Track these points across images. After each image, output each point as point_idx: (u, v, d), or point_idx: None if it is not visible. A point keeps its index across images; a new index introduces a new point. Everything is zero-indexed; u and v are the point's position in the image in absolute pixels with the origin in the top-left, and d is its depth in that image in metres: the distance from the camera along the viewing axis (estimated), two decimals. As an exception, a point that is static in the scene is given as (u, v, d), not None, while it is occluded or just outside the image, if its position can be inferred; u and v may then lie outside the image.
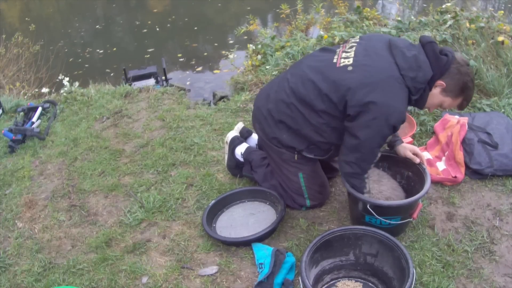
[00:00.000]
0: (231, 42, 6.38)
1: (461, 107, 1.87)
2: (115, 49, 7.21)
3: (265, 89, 2.14)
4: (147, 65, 5.14)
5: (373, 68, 1.74)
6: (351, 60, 1.79)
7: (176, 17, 8.23)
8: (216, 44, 6.91)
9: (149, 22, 8.10)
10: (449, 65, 1.74)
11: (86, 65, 6.63)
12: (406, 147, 2.05)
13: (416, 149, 2.04)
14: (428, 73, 1.74)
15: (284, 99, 1.95)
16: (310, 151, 2.03)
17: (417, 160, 2.00)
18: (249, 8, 8.39)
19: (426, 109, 1.96)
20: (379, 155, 1.91)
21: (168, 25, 7.92)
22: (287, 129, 1.98)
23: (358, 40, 1.89)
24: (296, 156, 2.05)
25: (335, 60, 1.84)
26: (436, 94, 1.81)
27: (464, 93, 1.80)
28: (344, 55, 1.83)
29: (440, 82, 1.77)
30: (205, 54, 6.64)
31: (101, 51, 7.10)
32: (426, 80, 1.75)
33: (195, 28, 7.63)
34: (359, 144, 1.77)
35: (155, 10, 9.09)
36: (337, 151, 2.01)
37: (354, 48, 1.84)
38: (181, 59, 6.30)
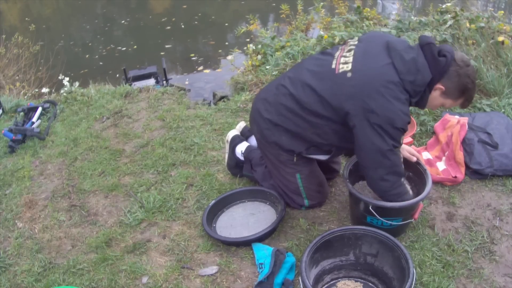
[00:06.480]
0: (242, 41, 6.37)
1: (463, 106, 1.87)
2: (135, 46, 7.15)
3: (263, 91, 2.13)
4: (155, 64, 5.09)
5: (371, 74, 1.73)
6: (350, 66, 1.77)
7: (202, 15, 8.21)
8: (226, 43, 6.90)
9: (174, 19, 8.04)
10: (448, 67, 1.72)
11: (101, 63, 6.59)
12: (404, 148, 2.04)
13: (412, 149, 2.06)
14: (427, 76, 1.73)
15: (284, 103, 1.93)
16: (309, 153, 2.02)
17: (414, 159, 2.02)
18: (273, 4, 8.37)
19: (427, 109, 1.97)
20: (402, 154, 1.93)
21: (195, 22, 7.89)
22: (286, 132, 1.97)
23: (356, 43, 1.87)
24: (295, 158, 2.04)
25: (333, 66, 1.82)
26: (436, 97, 1.82)
27: (465, 94, 1.79)
28: (342, 60, 1.81)
29: (439, 86, 1.76)
30: (220, 51, 6.60)
31: (124, 48, 7.04)
32: (425, 83, 1.74)
33: (226, 24, 7.60)
34: (380, 156, 1.75)
35: (184, 6, 9.04)
36: (338, 152, 2.01)
37: (352, 52, 1.82)
38: (193, 58, 6.29)
